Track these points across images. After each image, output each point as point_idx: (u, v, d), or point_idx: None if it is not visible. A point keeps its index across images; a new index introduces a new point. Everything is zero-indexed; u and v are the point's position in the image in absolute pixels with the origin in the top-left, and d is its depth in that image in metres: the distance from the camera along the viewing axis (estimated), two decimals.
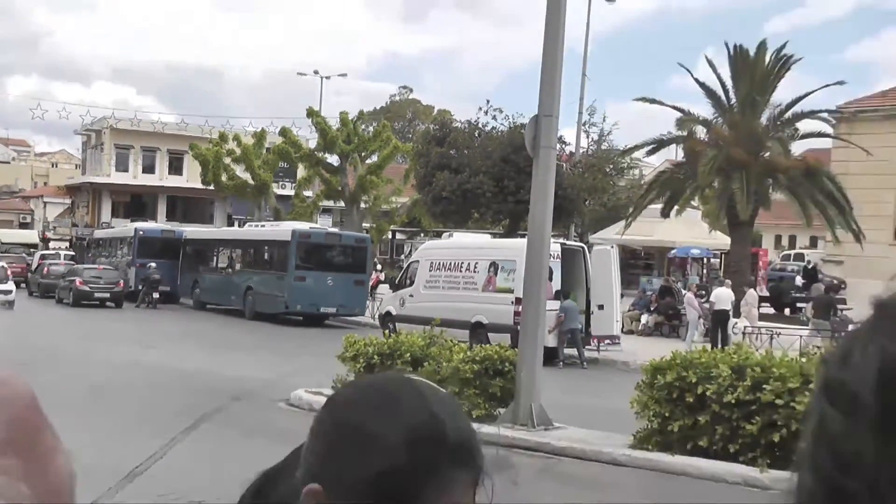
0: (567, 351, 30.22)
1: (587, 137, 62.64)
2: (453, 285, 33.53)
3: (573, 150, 60.15)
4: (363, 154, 66.52)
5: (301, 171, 70.67)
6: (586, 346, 30.83)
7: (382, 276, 47.39)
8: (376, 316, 37.85)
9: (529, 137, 17.51)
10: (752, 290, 38.37)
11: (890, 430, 1.05)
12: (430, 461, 1.67)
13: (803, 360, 15.14)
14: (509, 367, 18.06)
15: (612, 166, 62.04)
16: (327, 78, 78.24)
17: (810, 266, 53.89)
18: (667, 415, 15.34)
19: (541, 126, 17.24)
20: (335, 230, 51.69)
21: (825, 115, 46.63)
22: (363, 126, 68.64)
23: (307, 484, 1.71)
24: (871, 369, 1.09)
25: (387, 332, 26.83)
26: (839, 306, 36.28)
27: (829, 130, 49.33)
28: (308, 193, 70.22)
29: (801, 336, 30.75)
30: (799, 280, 50.93)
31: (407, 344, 19.73)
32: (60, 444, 1.38)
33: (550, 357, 27.11)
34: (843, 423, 1.09)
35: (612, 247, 36.34)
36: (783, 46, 43.82)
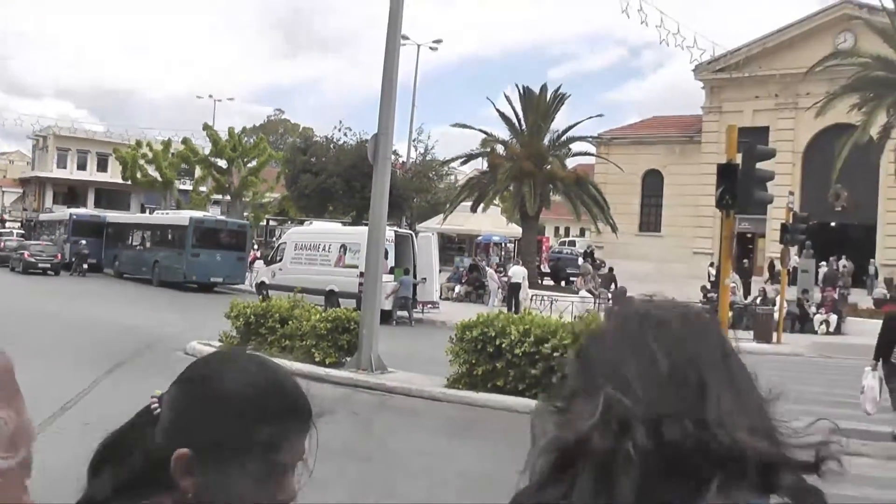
0: (399, 313, 30.05)
1: (416, 151, 63.00)
2: (312, 261, 33.24)
3: (405, 160, 60.66)
4: (245, 160, 66.85)
5: (198, 172, 70.91)
6: (413, 310, 30.72)
7: (259, 254, 46.57)
8: (253, 285, 37.21)
9: (371, 150, 17.42)
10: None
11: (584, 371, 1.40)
12: (276, 412, 1.59)
13: (573, 321, 15.21)
14: (354, 325, 17.86)
15: (434, 173, 62.67)
16: (219, 101, 78.52)
17: (589, 250, 54.90)
18: (473, 361, 15.34)
19: (379, 142, 17.15)
20: (223, 218, 51.07)
21: (590, 139, 47.53)
22: (245, 138, 70.18)
23: (173, 449, 1.55)
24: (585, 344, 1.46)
25: (262, 297, 26.40)
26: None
27: (593, 151, 50.28)
28: (203, 189, 70.42)
29: (572, 302, 31.06)
30: (580, 261, 51.69)
31: (276, 307, 19.49)
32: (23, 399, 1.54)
33: (387, 318, 27.02)
34: (572, 366, 1.43)
35: (433, 234, 36.47)
36: (559, 88, 44.76)
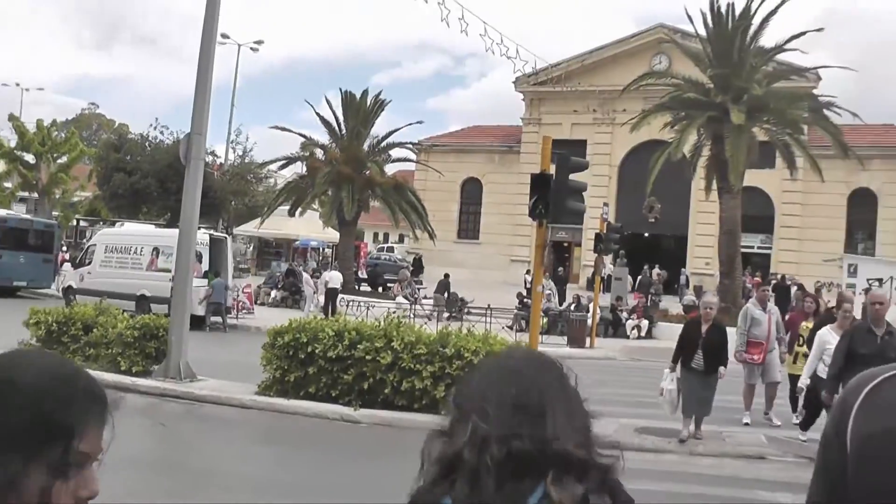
0: (213, 318, 29.40)
1: (234, 152, 61.96)
2: (124, 265, 32.03)
3: (223, 162, 59.64)
4: (55, 155, 62.85)
5: (1, 166, 66.26)
6: (228, 315, 30.15)
7: (67, 256, 44.76)
8: (61, 289, 35.71)
9: (183, 150, 16.97)
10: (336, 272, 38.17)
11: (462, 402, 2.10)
12: (71, 397, 1.64)
13: (387, 326, 15.20)
14: (163, 332, 17.29)
15: (252, 176, 61.75)
16: (27, 90, 74.64)
17: (418, 256, 55.35)
18: (285, 368, 15.13)
19: (192, 142, 16.74)
20: (28, 216, 48.46)
21: (410, 145, 47.72)
22: (56, 132, 66.02)
23: None
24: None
25: (67, 303, 25.37)
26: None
27: (413, 157, 50.50)
28: (7, 185, 65.94)
29: (388, 308, 31.08)
30: (408, 268, 51.89)
31: (80, 313, 18.60)
32: None
33: (200, 324, 26.42)
34: (449, 405, 2.12)
35: (228, 236, 35.85)
36: (380, 93, 44.56)
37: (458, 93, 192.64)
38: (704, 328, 13.64)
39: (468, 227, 64.01)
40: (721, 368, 13.53)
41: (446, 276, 40.06)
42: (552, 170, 14.63)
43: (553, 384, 2.07)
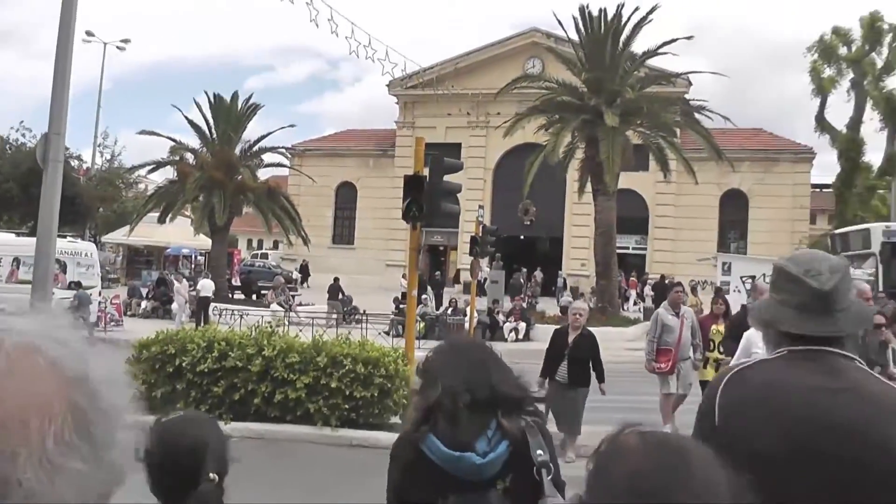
0: None
1: (102, 156, 60.22)
2: None
3: (89, 166, 57.84)
4: None
5: None
6: (95, 328, 29.05)
7: None
8: None
9: (40, 152, 16.12)
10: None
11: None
12: None
13: (258, 334, 14.68)
14: None
15: (121, 181, 60.15)
16: None
17: (304, 263, 54.96)
18: (152, 382, 14.38)
19: (50, 143, 15.93)
20: None
21: (282, 150, 46.94)
22: None
23: None
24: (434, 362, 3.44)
25: None
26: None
27: (287, 162, 49.77)
28: None
29: (262, 316, 30.39)
30: (296, 275, 51.36)
31: None
32: None
33: None
34: (420, 373, 3.44)
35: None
36: (251, 97, 43.58)
37: (333, 97, 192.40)
38: (572, 337, 12.82)
39: (343, 233, 63.46)
40: (601, 385, 12.86)
41: (336, 279, 39.80)
42: (426, 171, 14.37)
43: (490, 354, 3.46)
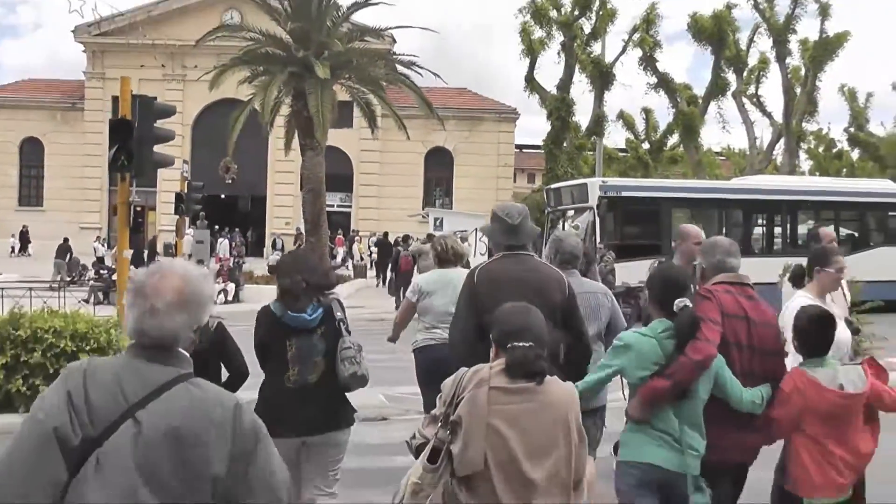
0: None
1: None
2: None
3: None
4: None
5: None
6: None
7: None
8: None
9: None
10: None
11: None
12: None
13: None
14: None
15: None
16: None
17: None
18: None
19: None
20: None
21: None
22: None
23: None
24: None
25: None
26: None
27: None
28: None
29: None
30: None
31: None
32: None
33: None
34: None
35: None
36: None
37: (9, 43, 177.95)
38: None
39: (30, 193, 58.80)
40: None
41: (66, 240, 37.04)
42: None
43: (313, 258, 7.40)
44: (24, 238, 51.98)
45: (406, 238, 34.17)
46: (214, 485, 2.77)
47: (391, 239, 39.77)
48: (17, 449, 2.78)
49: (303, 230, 35.66)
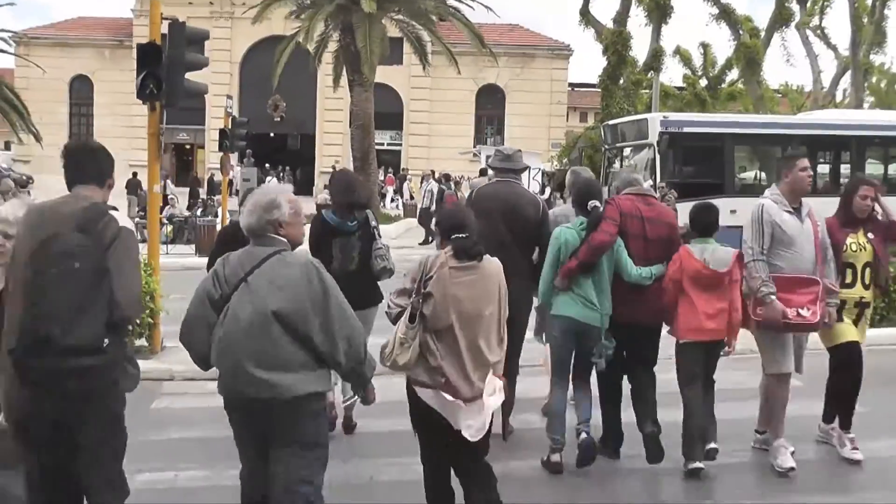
0: None
1: None
2: None
3: None
4: None
5: None
6: None
7: None
8: None
9: None
10: None
11: None
12: None
13: None
14: None
15: None
16: None
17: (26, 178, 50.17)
18: None
19: None
20: None
21: (5, 37, 41.68)
22: None
23: None
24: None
25: None
26: None
27: (12, 50, 44.54)
28: None
29: None
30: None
31: None
32: None
33: None
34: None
35: None
36: None
37: None
38: None
39: (81, 131, 58.15)
40: None
41: (135, 174, 36.17)
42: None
43: (356, 179, 8.95)
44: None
45: (448, 177, 33.00)
46: (306, 314, 4.59)
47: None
48: (191, 304, 4.79)
49: (344, 167, 34.57)
